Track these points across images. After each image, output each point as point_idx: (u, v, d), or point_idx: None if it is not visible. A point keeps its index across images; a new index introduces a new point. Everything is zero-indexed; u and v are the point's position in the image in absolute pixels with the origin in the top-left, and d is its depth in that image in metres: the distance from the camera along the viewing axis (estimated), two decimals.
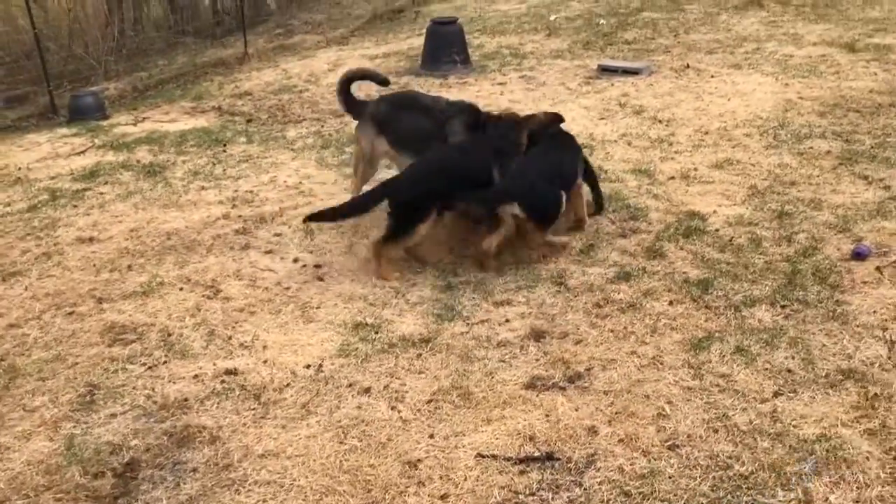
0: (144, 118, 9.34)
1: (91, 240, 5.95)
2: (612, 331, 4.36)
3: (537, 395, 3.83)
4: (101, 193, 6.89)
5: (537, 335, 4.35)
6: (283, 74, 11.26)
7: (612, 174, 6.63)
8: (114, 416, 3.87)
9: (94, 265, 5.51)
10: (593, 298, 4.70)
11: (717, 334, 4.27)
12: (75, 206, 6.62)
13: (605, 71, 10.22)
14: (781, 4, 13.48)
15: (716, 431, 3.53)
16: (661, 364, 4.04)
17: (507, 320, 4.53)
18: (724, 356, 4.08)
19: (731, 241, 5.31)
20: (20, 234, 6.13)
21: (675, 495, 3.18)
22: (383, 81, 6.46)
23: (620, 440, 3.50)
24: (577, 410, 3.71)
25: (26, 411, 3.95)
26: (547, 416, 3.68)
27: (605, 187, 6.31)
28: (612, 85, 9.59)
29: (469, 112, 5.76)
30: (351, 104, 6.19)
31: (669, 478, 3.27)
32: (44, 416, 3.89)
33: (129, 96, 10.98)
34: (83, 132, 8.82)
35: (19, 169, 7.68)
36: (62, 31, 12.34)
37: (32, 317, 4.87)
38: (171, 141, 8.23)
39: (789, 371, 3.93)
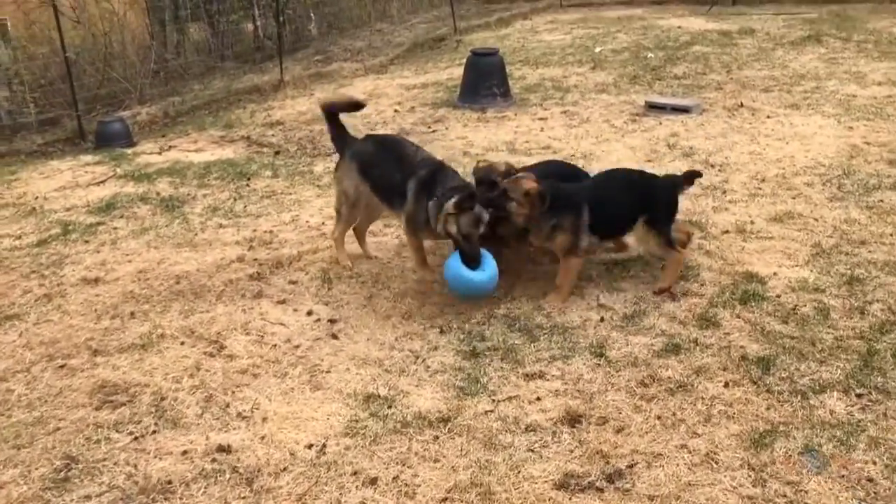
0: (171, 146, 9.05)
1: (96, 281, 5.57)
2: (658, 417, 3.80)
3: (570, 499, 3.29)
4: (115, 228, 6.54)
5: (572, 419, 3.80)
6: (317, 104, 10.92)
7: None
8: (88, 498, 3.42)
9: (96, 310, 5.12)
10: (638, 375, 4.14)
11: (781, 427, 3.68)
12: (86, 242, 6.28)
13: (653, 108, 9.68)
14: (842, 40, 12.82)
15: None
16: (716, 463, 3.47)
17: (539, 398, 3.99)
18: (790, 456, 3.48)
19: (794, 309, 4.71)
20: (25, 272, 5.79)
21: None
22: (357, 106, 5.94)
23: None
24: None
25: None
26: None
27: None
28: (661, 123, 9.04)
29: (431, 171, 5.09)
30: (339, 138, 5.64)
31: None
32: (11, 494, 3.46)
33: (160, 122, 10.74)
34: (107, 160, 8.54)
35: (36, 198, 7.39)
36: (99, 54, 12.21)
37: (21, 369, 4.48)
38: (194, 172, 7.90)
39: (870, 480, 3.33)
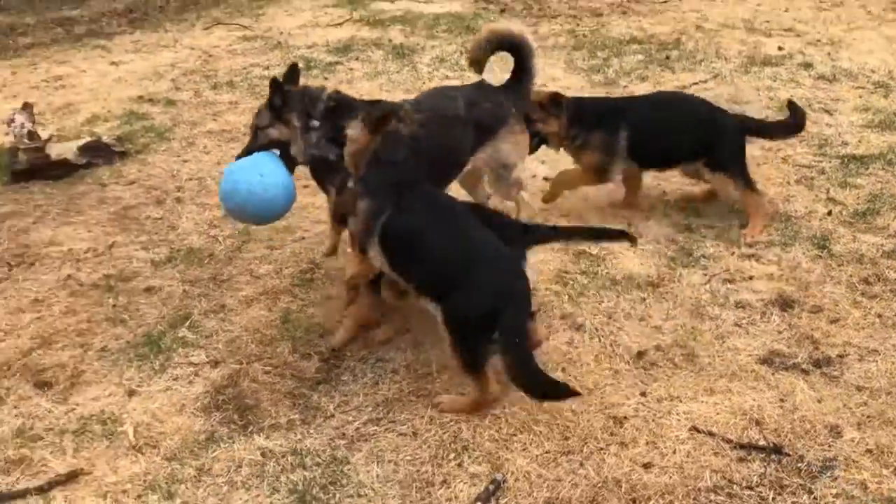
0: None
1: None
2: (879, 315, 3.68)
3: (773, 374, 3.33)
4: (351, 69, 6.96)
5: (784, 303, 3.78)
6: None
7: None
8: (328, 297, 3.91)
9: None
10: (861, 272, 3.99)
11: None
12: (325, 79, 6.74)
13: None
14: None
15: None
16: None
17: (751, 277, 3.98)
18: None
19: None
20: None
21: None
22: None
23: (869, 450, 2.95)
24: (819, 402, 3.18)
25: (253, 276, 4.11)
26: (781, 401, 3.19)
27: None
28: None
29: None
30: None
31: None
32: (266, 284, 4.02)
33: None
34: (344, 3, 8.95)
35: (281, 34, 7.96)
36: None
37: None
38: (424, 23, 8.12)
39: None
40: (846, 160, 5.08)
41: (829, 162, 5.07)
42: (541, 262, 4.09)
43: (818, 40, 7.32)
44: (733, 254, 4.18)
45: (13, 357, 3.53)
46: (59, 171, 5.19)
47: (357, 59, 7.20)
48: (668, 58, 6.93)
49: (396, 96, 6.25)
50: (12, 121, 5.19)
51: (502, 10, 8.66)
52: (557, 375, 3.25)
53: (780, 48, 7.11)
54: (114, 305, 3.89)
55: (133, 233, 4.57)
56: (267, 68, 7.03)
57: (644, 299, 3.84)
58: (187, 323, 3.73)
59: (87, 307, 3.88)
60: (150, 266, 4.24)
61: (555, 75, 6.62)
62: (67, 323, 3.77)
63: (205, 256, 4.30)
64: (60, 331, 3.71)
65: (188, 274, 4.14)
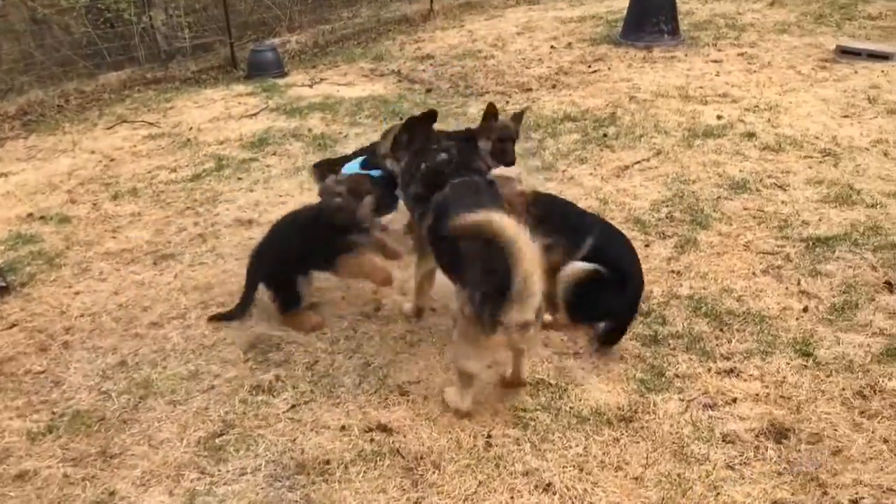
0: (321, 79, 8.80)
1: (250, 223, 5.42)
2: (885, 440, 3.21)
3: None
4: (268, 166, 6.37)
5: (778, 433, 3.27)
6: (468, 37, 10.39)
7: (868, 196, 5.26)
8: (244, 471, 3.23)
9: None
10: (854, 383, 3.53)
11: None
12: (240, 179, 6.14)
13: (846, 53, 8.55)
14: None
15: None
16: None
17: (735, 400, 3.48)
18: None
19: None
20: (180, 208, 5.71)
21: None
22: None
23: None
24: None
25: (151, 446, 3.40)
26: None
27: (858, 214, 5.02)
28: (856, 72, 7.97)
29: None
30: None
31: None
32: (168, 456, 3.32)
33: (310, 52, 10.51)
34: (259, 91, 8.40)
35: (190, 129, 7.34)
36: None
37: (177, 315, 4.37)
38: (345, 109, 7.62)
39: None
40: (811, 243, 4.70)
41: (794, 247, 4.68)
42: (495, 399, 3.54)
43: (756, 106, 7.07)
44: (710, 370, 3.68)
45: None
46: None
47: (274, 153, 6.63)
48: (605, 135, 6.55)
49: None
50: None
51: (428, 90, 8.23)
52: None
53: (719, 117, 6.83)
54: None
55: (9, 394, 3.82)
56: (174, 170, 6.40)
57: (618, 440, 3.28)
58: None
59: None
60: (27, 440, 3.49)
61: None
62: None
63: (94, 422, 3.57)
64: None
65: (71, 449, 3.40)
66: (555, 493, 3.01)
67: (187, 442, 3.40)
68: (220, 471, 3.23)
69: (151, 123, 7.60)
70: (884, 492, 2.96)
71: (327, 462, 3.24)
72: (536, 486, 3.05)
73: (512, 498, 3.01)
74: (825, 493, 2.96)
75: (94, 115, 8.07)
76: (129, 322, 4.33)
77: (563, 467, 3.14)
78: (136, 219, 5.60)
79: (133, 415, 3.60)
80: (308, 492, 3.09)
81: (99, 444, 3.42)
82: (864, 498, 2.93)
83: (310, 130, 7.09)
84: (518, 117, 4.56)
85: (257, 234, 5.19)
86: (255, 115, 7.64)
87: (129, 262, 4.99)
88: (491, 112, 4.33)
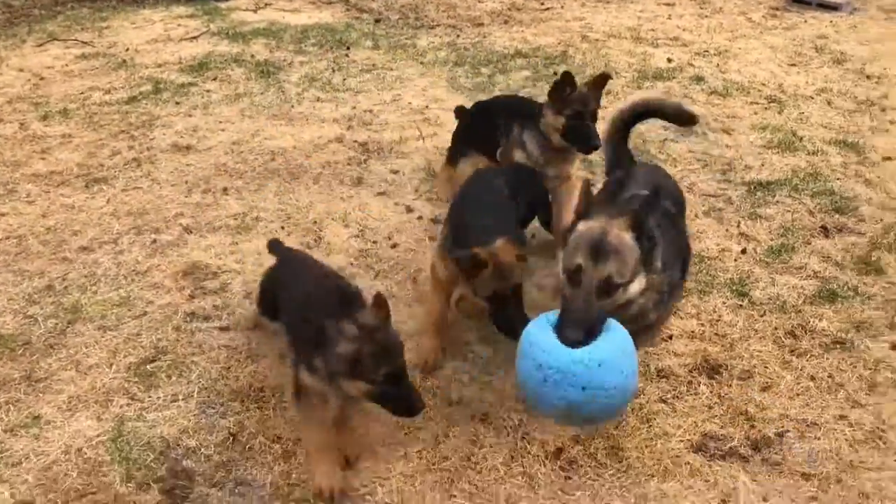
0: (266, 4, 8.47)
1: (188, 148, 5.22)
2: (812, 377, 3.30)
3: (710, 465, 2.87)
4: (208, 91, 6.13)
5: (711, 369, 3.33)
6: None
7: (809, 143, 5.33)
8: (175, 397, 3.16)
9: (187, 182, 4.79)
10: (786, 323, 3.61)
11: None
12: (178, 104, 5.90)
13: (796, 2, 8.60)
14: None
15: None
16: (884, 443, 2.98)
17: (671, 337, 3.53)
18: None
19: None
20: (114, 131, 5.47)
21: None
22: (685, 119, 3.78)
23: None
24: (765, 501, 2.73)
25: (79, 371, 3.30)
26: (723, 502, 2.72)
27: (799, 160, 5.09)
28: (805, 21, 8.03)
29: None
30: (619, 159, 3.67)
31: None
32: (95, 382, 3.22)
33: None
34: (200, 14, 8.05)
35: (127, 50, 7.01)
36: None
37: (109, 240, 4.21)
38: (290, 36, 7.36)
39: None
40: (752, 187, 4.75)
41: (736, 190, 4.73)
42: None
43: (705, 51, 7.07)
44: None
45: None
46: None
47: (215, 78, 6.37)
48: (555, 74, 6.45)
49: (261, 124, 5.53)
50: None
51: (377, 20, 8.00)
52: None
53: (669, 60, 6.80)
54: None
55: None
56: (108, 92, 6.11)
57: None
58: None
59: None
60: None
61: (437, 95, 6.04)
62: None
63: (19, 345, 3.43)
64: None
65: None
66: (490, 425, 3.03)
67: (117, 368, 3.30)
68: (150, 397, 3.16)
69: (85, 43, 7.22)
70: (808, 426, 3.05)
71: (261, 390, 3.19)
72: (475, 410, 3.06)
73: None
74: (752, 427, 3.04)
75: (22, 31, 7.63)
76: (58, 246, 4.15)
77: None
78: (67, 140, 5.34)
79: (60, 340, 3.48)
80: (242, 419, 3.04)
81: (23, 369, 3.30)
82: (788, 431, 3.02)
83: (252, 56, 6.84)
84: (600, 82, 3.78)
85: (195, 161, 5.05)
86: (195, 38, 7.32)
87: (59, 185, 4.78)
88: (566, 81, 3.69)
